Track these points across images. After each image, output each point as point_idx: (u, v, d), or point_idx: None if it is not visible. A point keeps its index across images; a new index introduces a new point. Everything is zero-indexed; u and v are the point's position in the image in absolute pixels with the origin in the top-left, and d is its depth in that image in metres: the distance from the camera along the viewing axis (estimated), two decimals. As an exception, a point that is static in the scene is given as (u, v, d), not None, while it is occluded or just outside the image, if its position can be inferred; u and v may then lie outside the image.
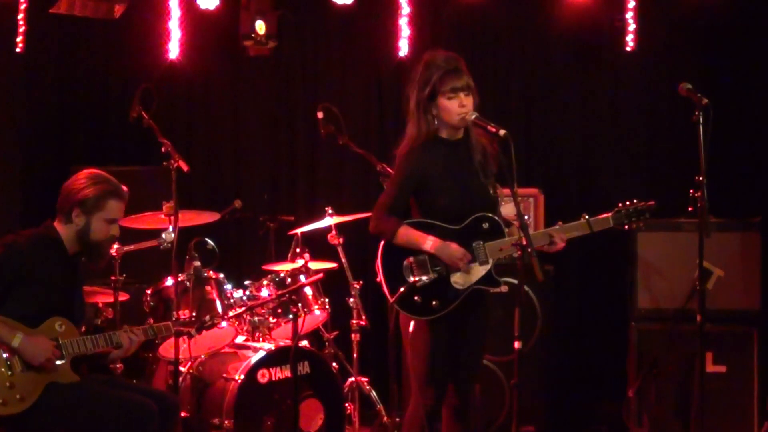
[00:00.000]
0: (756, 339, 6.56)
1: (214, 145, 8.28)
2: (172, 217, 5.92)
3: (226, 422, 5.91)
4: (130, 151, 7.88)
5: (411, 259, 4.90)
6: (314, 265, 6.68)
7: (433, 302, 4.89)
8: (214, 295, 6.28)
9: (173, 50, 7.89)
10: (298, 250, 6.74)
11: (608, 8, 7.71)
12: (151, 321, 6.12)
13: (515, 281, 6.26)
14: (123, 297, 6.42)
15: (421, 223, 4.95)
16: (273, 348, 6.12)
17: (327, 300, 6.60)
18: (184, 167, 5.89)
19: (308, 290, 6.49)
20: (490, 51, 7.98)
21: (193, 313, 5.87)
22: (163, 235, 5.86)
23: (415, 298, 4.89)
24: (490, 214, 4.96)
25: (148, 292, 6.35)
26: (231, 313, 6.11)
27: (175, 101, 8.16)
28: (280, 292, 6.10)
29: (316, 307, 6.51)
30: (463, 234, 4.92)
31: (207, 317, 5.30)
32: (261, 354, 6.06)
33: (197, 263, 6.26)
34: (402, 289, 4.86)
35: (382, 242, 4.98)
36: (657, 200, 5.12)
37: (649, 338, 6.69)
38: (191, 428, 6.08)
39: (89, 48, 8.15)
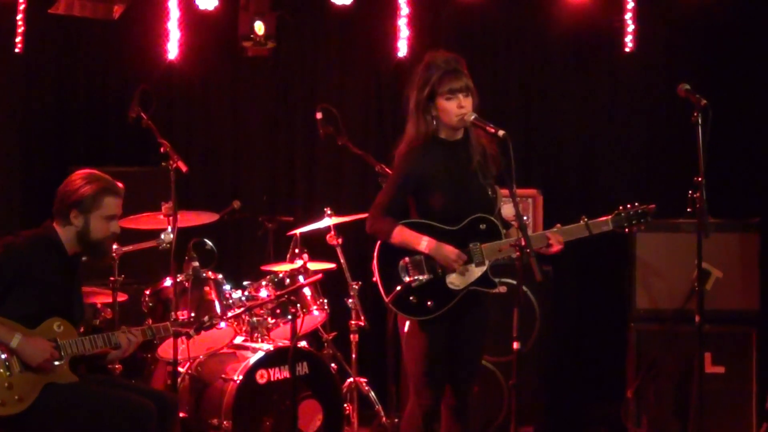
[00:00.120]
0: (755, 340, 6.57)
1: (213, 145, 8.27)
2: (171, 218, 5.92)
3: (224, 423, 5.91)
4: (128, 152, 7.87)
5: (407, 259, 4.90)
6: (313, 266, 6.68)
7: (429, 303, 4.89)
8: (213, 295, 6.28)
9: (172, 51, 7.89)
10: (296, 250, 6.75)
11: (607, 9, 7.71)
12: (150, 321, 6.13)
13: (514, 282, 6.28)
14: (121, 297, 6.42)
15: (418, 223, 4.95)
16: (272, 348, 6.12)
17: (326, 301, 6.60)
18: (183, 168, 5.89)
19: (307, 291, 6.49)
20: (489, 52, 7.98)
21: (192, 314, 5.87)
22: (162, 236, 5.85)
23: (411, 298, 4.89)
24: (487, 216, 4.95)
25: (147, 292, 6.35)
26: (230, 314, 6.11)
27: (173, 102, 8.16)
28: (278, 293, 6.10)
29: (315, 307, 6.52)
30: (460, 235, 4.91)
31: (206, 318, 5.29)
32: (260, 354, 6.06)
33: (196, 264, 6.26)
34: (398, 289, 4.87)
35: (379, 242, 4.98)
36: (656, 201, 5.12)
37: (647, 339, 6.69)
38: (190, 429, 6.08)
39: (88, 48, 8.15)
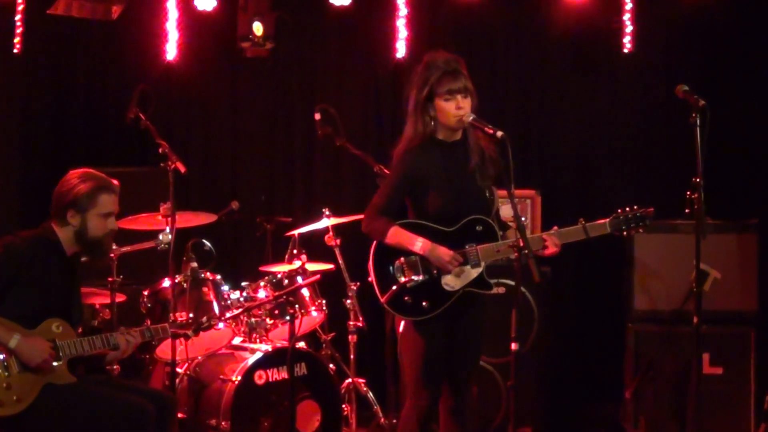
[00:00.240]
0: (753, 340, 6.57)
1: (212, 146, 8.28)
2: (169, 219, 5.92)
3: (223, 423, 5.90)
4: (127, 152, 7.88)
5: (402, 259, 4.90)
6: (311, 267, 6.68)
7: (424, 303, 4.90)
8: (211, 296, 6.28)
9: (171, 51, 7.90)
10: (295, 251, 6.75)
11: (605, 10, 7.71)
12: (148, 322, 6.13)
13: (512, 283, 6.30)
14: (120, 298, 6.42)
15: (414, 224, 4.95)
16: (270, 349, 6.12)
17: (324, 301, 6.60)
18: (182, 168, 5.89)
19: (305, 291, 6.49)
20: (488, 52, 7.98)
21: (190, 315, 5.87)
22: (160, 237, 5.85)
23: (406, 298, 4.89)
24: (484, 217, 4.95)
25: (145, 293, 6.35)
26: (228, 315, 6.11)
27: (172, 102, 8.16)
28: (277, 294, 6.10)
29: (313, 308, 6.52)
30: (456, 236, 4.92)
31: (204, 318, 5.30)
32: (258, 355, 6.06)
33: (194, 264, 6.26)
34: (393, 289, 4.87)
35: (374, 243, 4.98)
36: (654, 201, 5.12)
37: (645, 340, 6.70)
38: (188, 429, 6.08)
39: (87, 49, 8.15)
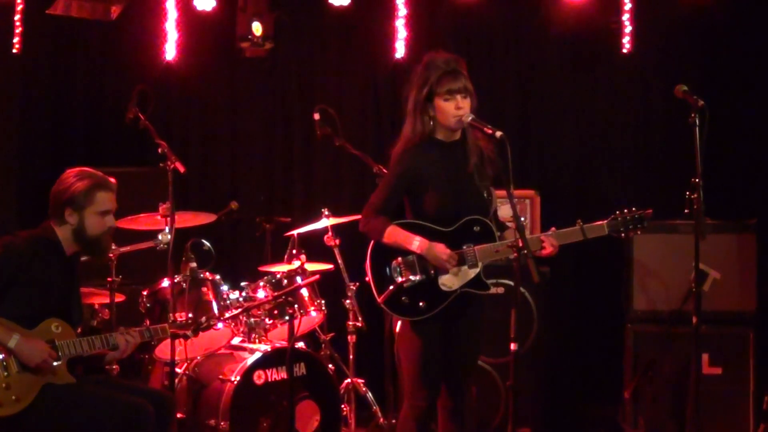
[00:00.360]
0: (752, 341, 6.56)
1: (211, 146, 8.28)
2: (169, 219, 5.91)
3: (221, 423, 5.90)
4: (126, 153, 7.88)
5: (399, 259, 4.90)
6: (310, 267, 6.68)
7: (421, 303, 4.90)
8: (211, 296, 6.28)
9: (170, 51, 7.90)
10: (294, 251, 6.75)
11: (604, 10, 7.71)
12: (148, 322, 6.14)
13: (511, 283, 6.30)
14: (119, 298, 6.42)
15: (411, 224, 4.95)
16: (269, 349, 6.12)
17: (323, 301, 6.60)
18: (181, 168, 5.89)
19: (304, 292, 6.49)
20: (487, 53, 7.98)
21: (190, 315, 5.87)
22: (160, 237, 5.85)
23: (403, 298, 4.89)
24: (481, 218, 4.95)
25: (145, 293, 6.35)
26: (227, 315, 6.11)
27: (171, 103, 8.16)
28: (276, 294, 6.10)
29: (313, 308, 6.52)
30: (454, 236, 4.91)
31: (203, 318, 5.30)
32: (257, 355, 6.06)
33: (193, 264, 6.26)
34: (390, 289, 4.87)
35: (372, 242, 4.98)
36: (653, 202, 5.12)
37: (645, 340, 6.69)
38: (187, 429, 6.08)
39: (86, 49, 8.16)
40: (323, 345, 6.85)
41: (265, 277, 6.50)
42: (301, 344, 6.43)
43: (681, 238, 6.49)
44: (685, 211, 5.07)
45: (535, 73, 7.97)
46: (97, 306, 6.49)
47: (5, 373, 4.61)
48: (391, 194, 5.01)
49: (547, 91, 7.95)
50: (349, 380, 6.69)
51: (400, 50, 7.84)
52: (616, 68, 7.83)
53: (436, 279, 4.90)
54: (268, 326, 6.41)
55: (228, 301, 6.29)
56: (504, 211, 5.17)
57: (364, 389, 6.72)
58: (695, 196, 5.02)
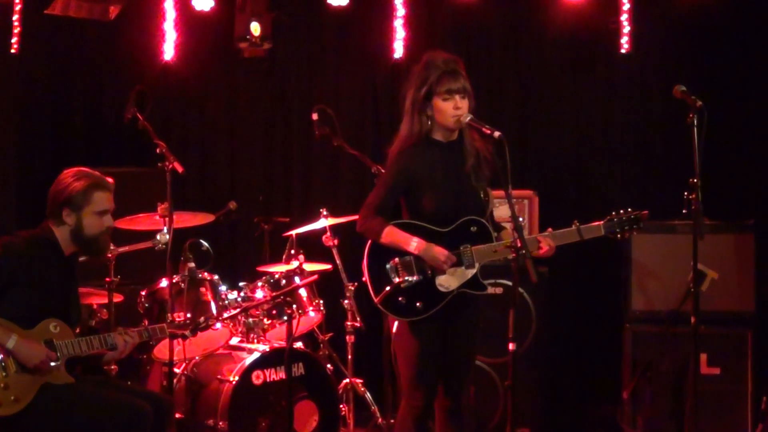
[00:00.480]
0: (750, 341, 6.56)
1: (209, 146, 8.28)
2: (167, 219, 5.91)
3: (220, 423, 5.90)
4: (124, 153, 7.87)
5: (397, 259, 4.90)
6: (309, 267, 6.68)
7: (418, 304, 4.90)
8: (209, 296, 6.29)
9: (168, 52, 7.89)
10: (292, 251, 6.75)
11: (603, 10, 7.71)
12: (146, 322, 6.14)
13: (510, 283, 6.30)
14: (117, 298, 6.41)
15: (408, 224, 4.95)
16: (267, 349, 6.12)
17: (322, 301, 6.61)
18: (179, 169, 5.89)
19: (303, 292, 6.50)
20: (485, 53, 7.98)
21: (188, 315, 5.87)
22: (158, 237, 5.85)
23: (400, 299, 4.89)
24: (479, 218, 4.95)
25: (143, 293, 6.35)
26: (225, 315, 6.11)
27: (170, 103, 8.16)
28: (274, 294, 6.09)
29: (311, 308, 6.52)
30: (451, 237, 4.91)
31: (202, 319, 5.29)
32: (255, 355, 6.06)
33: (192, 265, 6.26)
34: (387, 290, 4.87)
35: (369, 242, 4.98)
36: (651, 202, 5.14)
37: (643, 340, 6.69)
38: (186, 429, 6.08)
39: (84, 49, 8.15)
40: (322, 345, 6.86)
41: (264, 278, 6.50)
42: (299, 344, 6.43)
43: (679, 238, 6.49)
44: (684, 211, 5.08)
45: (533, 74, 7.96)
46: (95, 306, 6.48)
47: (4, 374, 4.60)
48: (389, 194, 5.01)
49: (545, 92, 7.94)
50: (347, 380, 6.69)
51: (398, 50, 7.83)
52: (615, 68, 7.83)
53: (433, 279, 4.90)
54: (266, 326, 6.41)
55: (226, 301, 6.29)
56: (502, 212, 5.17)
57: (362, 389, 6.72)
58: (693, 196, 5.03)
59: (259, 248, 7.40)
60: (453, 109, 4.91)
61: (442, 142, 5.01)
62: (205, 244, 6.35)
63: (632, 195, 7.52)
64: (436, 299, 4.90)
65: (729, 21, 7.50)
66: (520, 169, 7.59)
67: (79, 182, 4.88)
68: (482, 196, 5.00)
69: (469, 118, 4.90)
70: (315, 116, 6.61)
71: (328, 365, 6.41)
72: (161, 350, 6.07)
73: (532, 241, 4.91)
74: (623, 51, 7.66)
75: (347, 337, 6.72)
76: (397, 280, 4.89)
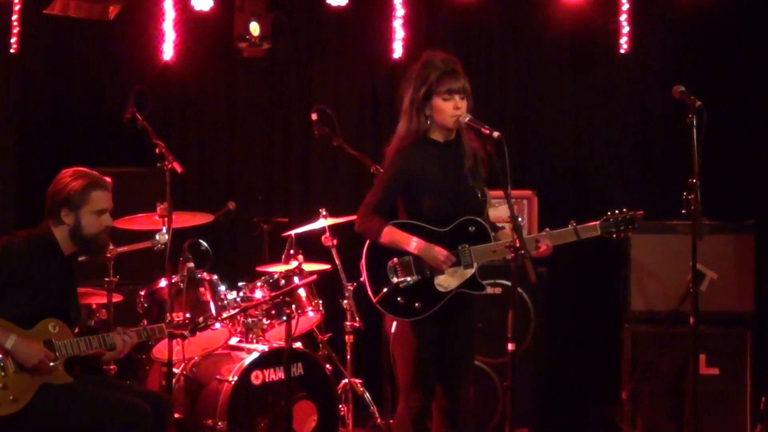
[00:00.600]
0: (749, 341, 6.56)
1: (208, 146, 8.28)
2: (166, 219, 5.92)
3: (219, 423, 5.90)
4: (124, 153, 7.87)
5: (395, 259, 4.90)
6: (308, 267, 6.68)
7: (416, 304, 4.89)
8: (208, 296, 6.29)
9: (167, 51, 7.89)
10: (291, 251, 6.74)
11: (602, 10, 7.71)
12: (145, 322, 6.13)
13: (509, 283, 6.30)
14: (116, 298, 6.41)
15: (407, 224, 4.95)
16: (266, 349, 6.12)
17: (321, 301, 6.61)
18: (178, 169, 5.89)
19: (302, 292, 6.50)
20: (485, 53, 7.98)
21: (187, 315, 5.87)
22: (157, 237, 5.85)
23: (398, 299, 4.89)
24: (477, 218, 4.95)
25: (142, 293, 6.35)
26: (225, 315, 6.11)
27: (169, 103, 8.16)
28: (273, 294, 6.09)
29: (310, 308, 6.52)
30: (449, 237, 4.91)
31: (201, 318, 5.28)
32: (254, 355, 6.06)
33: (191, 265, 6.26)
34: (385, 290, 4.87)
35: (367, 242, 4.98)
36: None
37: (642, 340, 6.69)
38: (185, 429, 6.08)
39: (83, 49, 8.15)
40: (321, 345, 6.85)
41: (263, 277, 6.50)
42: (298, 344, 6.43)
43: (678, 238, 6.49)
44: (683, 211, 5.08)
45: (533, 73, 7.97)
46: (94, 306, 6.48)
47: (2, 374, 4.60)
48: (387, 194, 5.01)
49: (545, 92, 7.95)
50: (346, 380, 6.69)
51: (397, 50, 7.83)
52: (614, 68, 7.83)
53: (432, 279, 4.90)
54: (265, 326, 6.41)
55: (225, 301, 6.29)
56: (501, 212, 5.17)
57: (361, 389, 6.72)
58: (692, 196, 5.03)
59: (259, 248, 7.40)
60: (453, 109, 4.91)
61: (440, 141, 5.01)
62: (204, 244, 6.35)
63: (631, 195, 7.52)
64: (435, 299, 4.90)
65: (728, 21, 7.51)
66: (519, 169, 7.59)
67: (77, 182, 4.88)
68: (479, 196, 5.00)
69: (468, 118, 4.90)
70: (314, 116, 6.61)
71: (327, 365, 6.42)
72: (160, 350, 6.07)
73: (530, 241, 4.91)
74: (622, 51, 7.66)
75: (346, 337, 6.72)
76: (395, 280, 4.89)
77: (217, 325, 5.99)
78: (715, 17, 7.51)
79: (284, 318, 5.92)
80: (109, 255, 6.04)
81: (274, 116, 8.22)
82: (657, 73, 7.70)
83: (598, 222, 5.02)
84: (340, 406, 6.48)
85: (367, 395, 6.72)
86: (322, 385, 6.23)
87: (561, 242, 4.98)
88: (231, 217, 7.06)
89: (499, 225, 5.11)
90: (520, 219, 6.65)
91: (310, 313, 6.53)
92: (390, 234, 4.90)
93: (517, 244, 4.67)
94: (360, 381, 6.75)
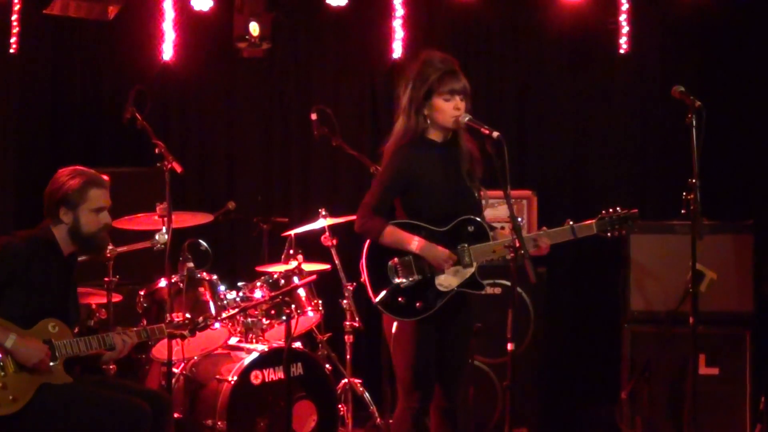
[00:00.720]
0: (748, 341, 6.56)
1: (208, 146, 8.28)
2: (166, 219, 5.92)
3: (219, 423, 5.90)
4: (123, 153, 7.88)
5: (396, 259, 4.90)
6: (307, 267, 6.68)
7: (417, 304, 4.89)
8: (208, 296, 6.29)
9: (167, 51, 7.89)
10: (291, 251, 6.74)
11: (602, 11, 7.71)
12: (145, 322, 6.14)
13: (508, 283, 6.30)
14: (116, 298, 6.40)
15: (407, 224, 4.95)
16: (266, 349, 6.12)
17: (320, 301, 6.60)
18: (178, 169, 5.89)
19: (301, 292, 6.50)
20: (484, 53, 7.99)
21: (187, 315, 5.86)
22: (157, 237, 5.85)
23: (399, 299, 4.89)
24: (475, 218, 4.96)
25: (142, 293, 6.35)
26: (224, 315, 6.11)
27: (168, 103, 8.16)
28: (273, 294, 6.10)
29: (310, 308, 6.52)
30: (448, 236, 4.91)
31: (200, 318, 5.29)
32: (254, 355, 6.06)
33: (190, 264, 6.26)
34: (386, 290, 4.87)
35: (367, 242, 4.98)
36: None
37: (642, 340, 6.69)
38: (184, 429, 6.07)
39: (83, 49, 8.15)
40: (320, 345, 6.85)
41: (263, 277, 6.50)
42: (298, 344, 6.42)
43: (678, 238, 6.49)
44: (682, 211, 5.07)
45: (532, 74, 7.97)
46: (94, 306, 6.48)
47: (2, 373, 4.60)
48: (386, 194, 5.00)
49: (544, 92, 7.94)
50: (346, 380, 6.69)
51: (397, 50, 7.83)
52: (614, 68, 7.83)
53: (433, 279, 4.90)
54: (265, 326, 6.41)
55: (225, 301, 6.29)
56: (500, 211, 5.17)
57: (361, 389, 6.72)
58: (692, 196, 5.02)
59: (258, 248, 7.39)
60: (453, 109, 4.91)
61: (438, 141, 5.01)
62: (204, 244, 6.35)
63: (631, 195, 7.51)
64: (435, 299, 4.90)
65: (728, 21, 7.50)
66: (518, 169, 7.60)
67: (74, 180, 4.88)
68: (477, 195, 5.01)
69: (467, 119, 4.90)
70: (314, 116, 6.61)
71: (327, 365, 6.42)
72: (160, 350, 6.07)
73: (528, 240, 4.92)
74: (622, 51, 7.67)
75: (346, 337, 6.72)
76: (396, 280, 4.89)
77: (217, 325, 5.99)
78: (714, 17, 7.51)
79: (284, 318, 5.92)
80: (108, 255, 6.05)
81: (273, 116, 8.22)
82: (656, 73, 7.70)
83: (594, 221, 5.02)
84: (340, 406, 6.48)
85: (367, 395, 6.73)
86: (322, 385, 6.23)
87: (558, 241, 4.98)
88: (231, 217, 7.06)
89: (499, 225, 5.11)
90: (519, 219, 6.65)
91: (310, 313, 6.53)
92: (391, 234, 4.90)
93: (517, 245, 4.67)
94: (359, 381, 6.76)
